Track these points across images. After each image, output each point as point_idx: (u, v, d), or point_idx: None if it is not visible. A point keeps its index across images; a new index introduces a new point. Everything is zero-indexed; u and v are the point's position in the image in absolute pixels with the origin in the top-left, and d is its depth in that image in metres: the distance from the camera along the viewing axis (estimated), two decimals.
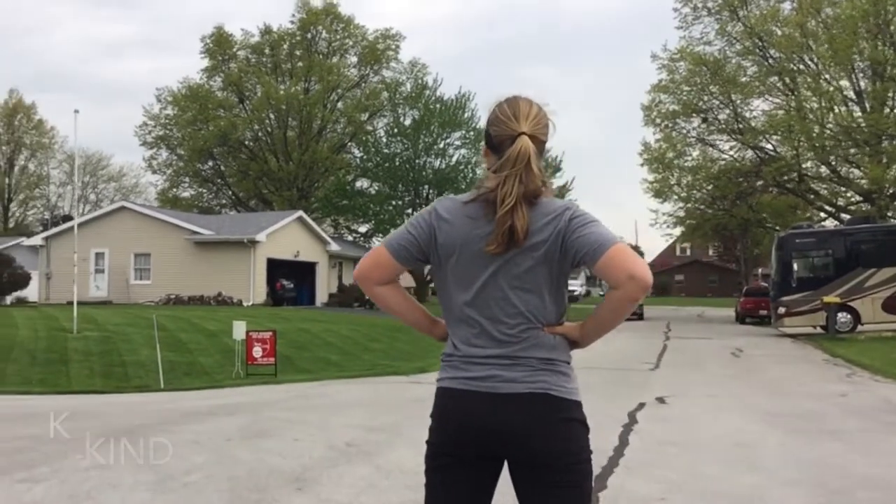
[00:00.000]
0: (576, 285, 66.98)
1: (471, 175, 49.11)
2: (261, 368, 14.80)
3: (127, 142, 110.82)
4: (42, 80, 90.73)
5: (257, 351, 14.94)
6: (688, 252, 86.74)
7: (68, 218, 38.79)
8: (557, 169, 50.35)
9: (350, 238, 53.61)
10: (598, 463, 6.24)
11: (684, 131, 40.08)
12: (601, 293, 56.66)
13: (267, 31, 52.32)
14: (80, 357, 15.65)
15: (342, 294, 38.23)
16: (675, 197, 41.16)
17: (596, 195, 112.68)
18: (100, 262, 33.01)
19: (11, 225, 65.26)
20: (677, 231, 47.79)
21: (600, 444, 7.03)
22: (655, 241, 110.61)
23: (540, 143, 2.36)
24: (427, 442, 2.39)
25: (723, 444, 7.51)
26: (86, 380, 14.01)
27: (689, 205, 42.38)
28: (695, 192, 40.98)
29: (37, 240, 33.87)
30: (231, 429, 8.04)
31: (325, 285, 38.04)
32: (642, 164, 40.94)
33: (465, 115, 49.22)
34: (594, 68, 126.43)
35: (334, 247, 38.70)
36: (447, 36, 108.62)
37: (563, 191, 50.34)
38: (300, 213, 37.01)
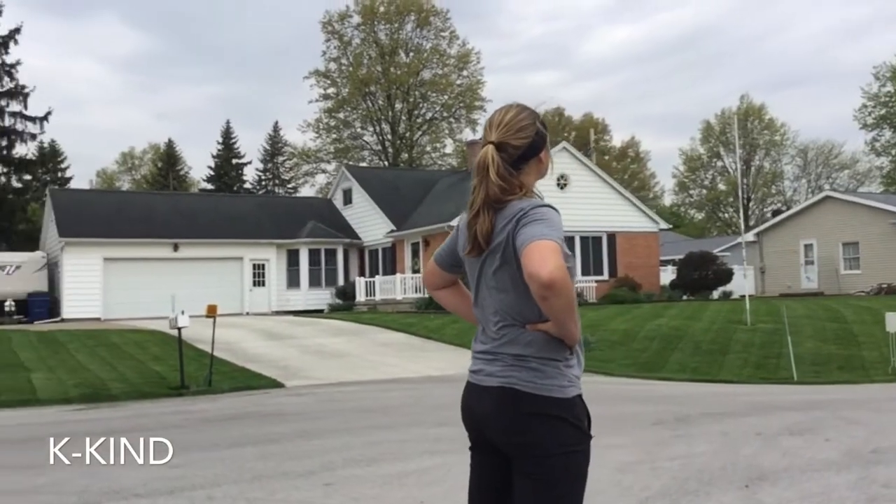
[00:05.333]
0: None
1: None
2: None
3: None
4: (771, 80, 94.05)
5: None
6: None
7: (778, 212, 39.83)
8: None
9: None
10: None
11: None
12: None
13: None
14: (740, 348, 16.45)
15: None
16: None
17: None
18: (808, 254, 33.10)
19: (752, 223, 69.39)
20: None
21: None
22: None
23: (513, 147, 2.44)
24: None
25: None
26: (736, 370, 14.71)
27: None
28: None
29: (749, 236, 35.85)
30: (777, 424, 7.90)
31: None
32: None
33: None
34: None
35: None
36: None
37: None
38: None
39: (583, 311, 20.33)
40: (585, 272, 27.87)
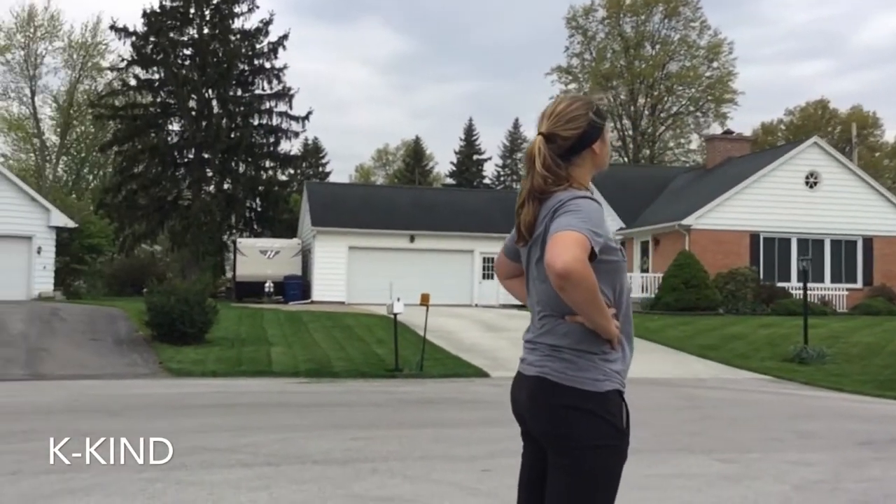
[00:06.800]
0: None
1: None
2: None
3: None
4: None
5: None
6: None
7: None
8: None
9: None
10: None
11: None
12: None
13: None
14: None
15: None
16: None
17: None
18: None
19: None
20: None
21: None
22: None
23: (562, 138, 2.41)
24: None
25: None
26: None
27: None
28: None
29: None
30: None
31: None
32: None
33: None
34: None
35: None
36: None
37: None
38: None
39: (825, 322, 19.01)
40: (836, 279, 25.56)
